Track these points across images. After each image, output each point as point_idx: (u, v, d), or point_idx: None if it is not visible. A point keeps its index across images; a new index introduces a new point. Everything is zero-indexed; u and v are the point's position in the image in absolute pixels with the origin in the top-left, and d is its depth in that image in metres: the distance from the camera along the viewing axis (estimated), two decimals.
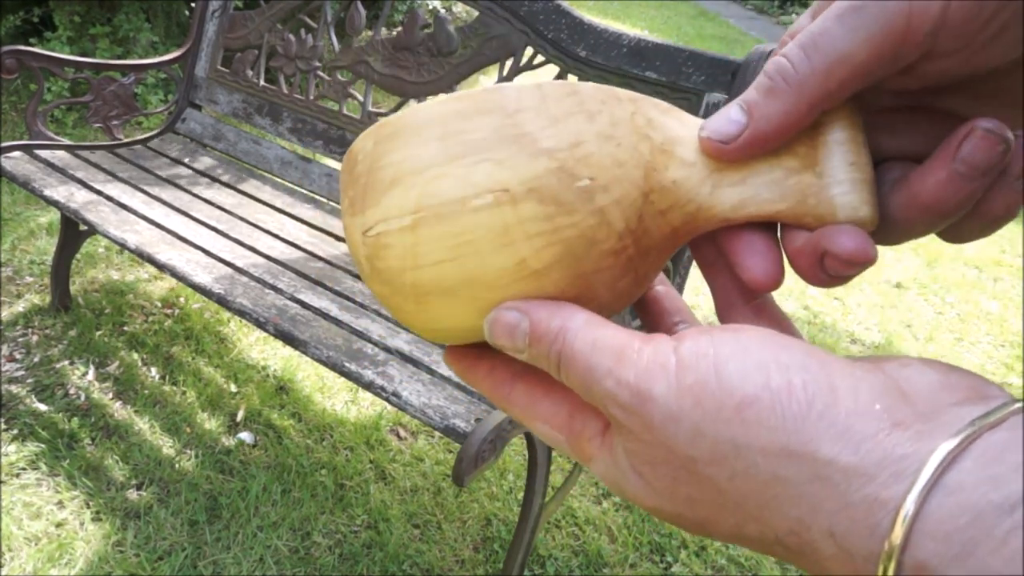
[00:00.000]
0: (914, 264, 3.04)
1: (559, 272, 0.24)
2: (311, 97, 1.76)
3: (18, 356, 1.68)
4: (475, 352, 0.27)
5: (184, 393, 1.66)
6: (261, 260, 1.42)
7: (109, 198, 1.55)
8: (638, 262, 0.25)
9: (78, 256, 1.99)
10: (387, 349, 1.18)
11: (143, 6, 3.06)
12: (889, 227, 0.24)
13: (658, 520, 1.52)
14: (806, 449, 0.18)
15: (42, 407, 1.55)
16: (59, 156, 1.68)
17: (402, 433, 1.66)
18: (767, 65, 0.23)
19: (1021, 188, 0.22)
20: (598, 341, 0.22)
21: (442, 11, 2.95)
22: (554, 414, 0.25)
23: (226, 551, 1.31)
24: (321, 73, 1.75)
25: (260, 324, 1.21)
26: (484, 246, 0.23)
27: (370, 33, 1.67)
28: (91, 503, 1.35)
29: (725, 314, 0.28)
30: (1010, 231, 3.63)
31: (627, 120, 0.25)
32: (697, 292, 2.41)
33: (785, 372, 0.19)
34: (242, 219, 1.59)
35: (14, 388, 1.59)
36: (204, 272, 1.32)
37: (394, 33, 1.62)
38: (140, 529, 1.32)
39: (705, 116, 1.28)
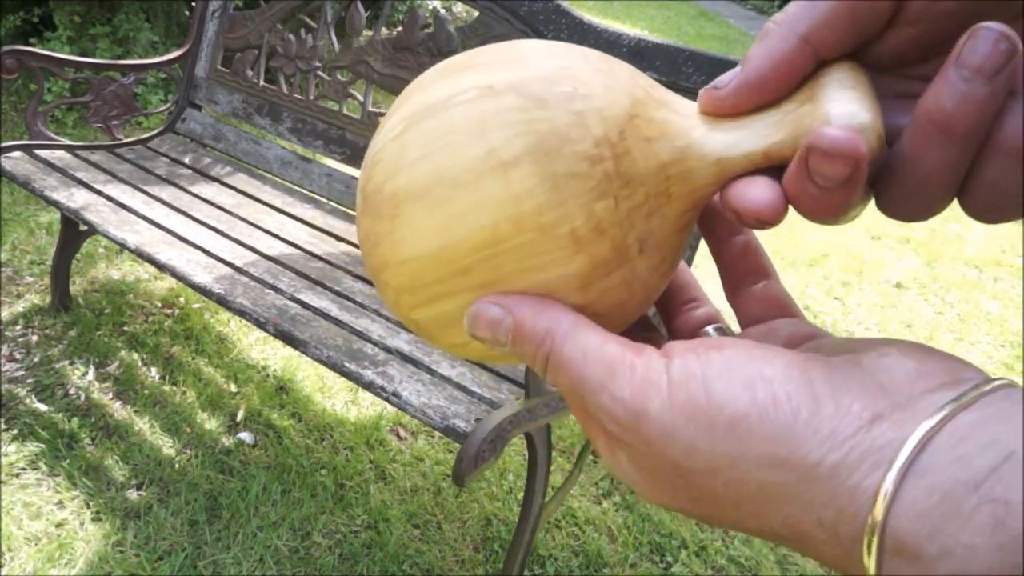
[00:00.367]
0: (914, 264, 3.04)
1: (529, 167, 0.23)
2: (311, 97, 1.76)
3: (18, 356, 1.68)
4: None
5: (184, 393, 1.66)
6: (261, 260, 1.42)
7: (109, 198, 1.55)
8: (618, 187, 0.23)
9: (78, 256, 1.99)
10: (387, 349, 1.18)
11: (143, 6, 3.06)
12: (909, 176, 0.21)
13: (658, 520, 1.52)
14: (795, 456, 0.19)
15: (42, 407, 1.55)
16: (59, 156, 1.68)
17: (402, 433, 1.66)
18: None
19: None
20: (589, 351, 0.22)
21: (442, 11, 2.95)
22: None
23: (226, 551, 1.31)
24: (321, 73, 1.75)
25: (260, 324, 1.21)
26: (459, 138, 0.23)
27: (370, 33, 1.67)
28: (91, 503, 1.35)
29: (734, 299, 0.29)
30: (1010, 231, 3.63)
31: (626, 74, 0.25)
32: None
33: (769, 385, 0.20)
34: (242, 219, 1.59)
35: (14, 388, 1.59)
36: (204, 272, 1.32)
37: (394, 33, 1.62)
38: (140, 529, 1.32)
39: None
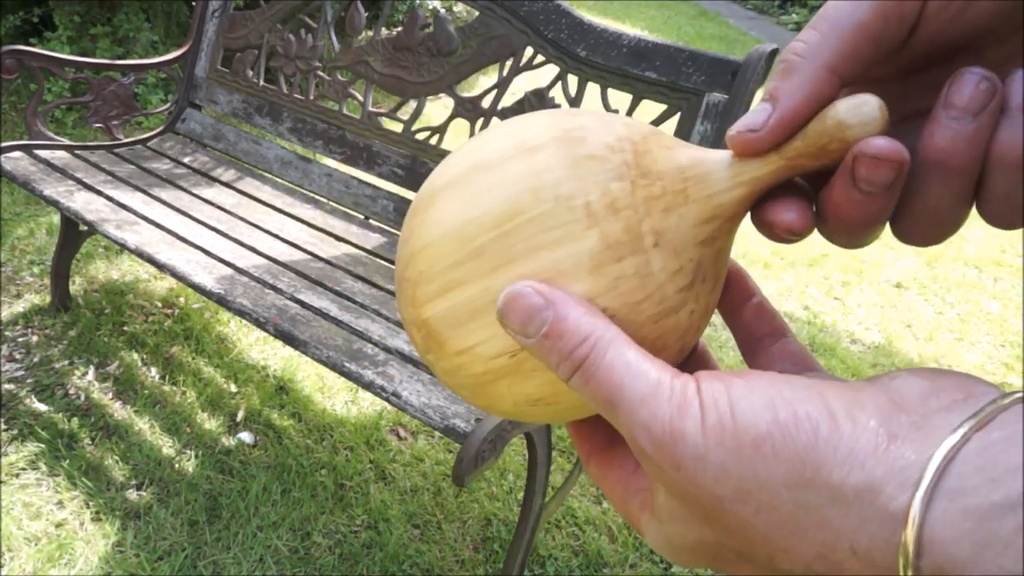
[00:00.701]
0: (914, 264, 3.04)
1: (552, 149, 0.25)
2: (311, 97, 1.76)
3: (18, 356, 1.68)
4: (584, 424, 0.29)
5: (184, 393, 1.66)
6: (261, 260, 1.42)
7: (109, 198, 1.55)
8: (636, 175, 0.25)
9: (78, 256, 1.99)
10: (387, 349, 1.18)
11: (143, 6, 3.06)
12: (917, 208, 0.23)
13: None
14: (819, 475, 0.19)
15: (42, 407, 1.55)
16: (59, 156, 1.68)
17: (402, 433, 1.66)
18: (779, 57, 0.24)
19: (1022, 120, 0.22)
20: (633, 364, 0.22)
21: (442, 11, 2.95)
22: (612, 493, 0.27)
23: (226, 551, 1.31)
24: (321, 73, 1.75)
25: (260, 324, 1.21)
26: (497, 137, 0.27)
27: (370, 33, 1.67)
28: (91, 503, 1.35)
29: (753, 361, 0.29)
30: (1010, 231, 3.63)
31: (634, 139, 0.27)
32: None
33: (789, 405, 0.20)
34: (242, 219, 1.59)
35: (14, 388, 1.59)
36: (204, 272, 1.32)
37: (394, 33, 1.62)
38: (140, 529, 1.32)
39: (705, 116, 1.28)
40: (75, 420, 1.52)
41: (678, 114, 1.29)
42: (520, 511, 1.22)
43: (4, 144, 1.61)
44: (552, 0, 1.40)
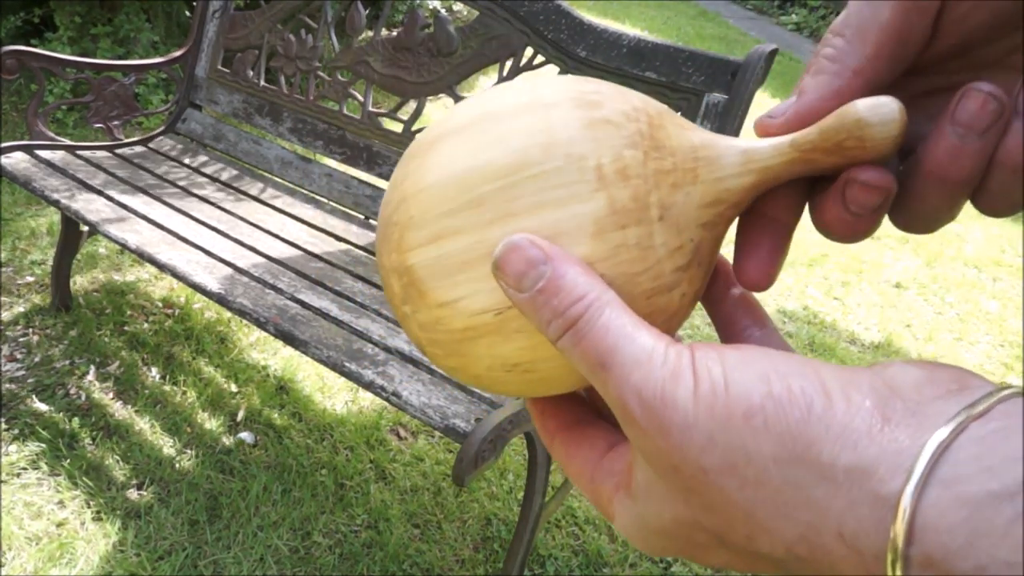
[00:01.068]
0: (914, 264, 3.04)
1: (569, 108, 0.24)
2: (311, 97, 1.76)
3: (19, 356, 1.69)
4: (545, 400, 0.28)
5: (184, 393, 1.66)
6: (261, 260, 1.43)
7: (110, 198, 1.55)
8: (649, 146, 0.25)
9: (79, 256, 1.99)
10: (387, 349, 1.18)
11: (144, 6, 3.06)
12: (916, 208, 0.24)
13: None
14: (810, 452, 0.19)
15: (43, 407, 1.55)
16: (60, 156, 1.69)
17: (402, 433, 1.66)
18: (809, 61, 0.25)
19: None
20: (628, 328, 0.22)
21: (442, 11, 2.95)
22: (579, 475, 0.26)
23: (226, 551, 1.31)
24: (321, 73, 1.75)
25: (260, 324, 1.21)
26: (509, 92, 0.26)
27: (370, 33, 1.67)
28: (92, 503, 1.36)
29: (731, 343, 0.28)
30: (1010, 231, 3.64)
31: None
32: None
33: (784, 379, 0.20)
34: (242, 219, 1.59)
35: (15, 388, 1.59)
36: (204, 272, 1.32)
37: (394, 33, 1.62)
38: (141, 529, 1.32)
39: (705, 116, 1.28)
40: (76, 420, 1.53)
41: (678, 114, 1.29)
42: (520, 511, 1.23)
43: (5, 144, 1.62)
44: (552, 0, 1.40)
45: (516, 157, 0.24)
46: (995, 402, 0.18)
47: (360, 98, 1.67)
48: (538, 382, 0.25)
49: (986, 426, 0.18)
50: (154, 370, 1.71)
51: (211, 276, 1.31)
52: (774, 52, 1.19)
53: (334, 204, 1.72)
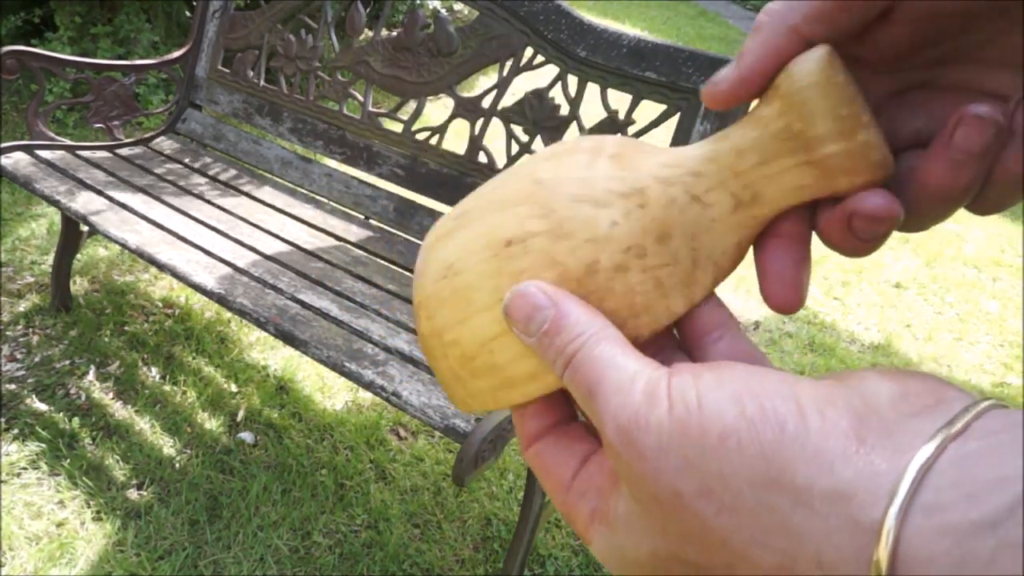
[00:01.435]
0: (914, 264, 3.04)
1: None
2: (311, 97, 1.76)
3: (19, 356, 1.69)
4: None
5: (184, 393, 1.66)
6: (261, 260, 1.43)
7: (110, 198, 1.55)
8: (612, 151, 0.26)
9: (79, 256, 1.99)
10: (387, 349, 1.18)
11: (144, 6, 3.06)
12: (912, 217, 0.24)
13: None
14: (784, 476, 0.18)
15: (43, 407, 1.55)
16: (60, 156, 1.69)
17: (402, 433, 1.66)
18: None
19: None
20: (617, 357, 0.22)
21: (442, 11, 2.95)
22: (554, 492, 0.26)
23: (226, 551, 1.31)
24: (321, 73, 1.75)
25: (260, 324, 1.21)
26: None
27: (370, 33, 1.67)
28: (92, 503, 1.36)
29: (698, 358, 0.27)
30: (1010, 231, 3.64)
31: None
32: None
33: (756, 399, 0.20)
34: (242, 219, 1.59)
35: (15, 388, 1.59)
36: (204, 272, 1.32)
37: (394, 33, 1.62)
38: (141, 529, 1.32)
39: (705, 116, 1.28)
40: (76, 420, 1.53)
41: (678, 114, 1.29)
42: (520, 511, 1.23)
43: (5, 144, 1.62)
44: (552, 0, 1.40)
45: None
46: (972, 418, 0.18)
47: (360, 98, 1.68)
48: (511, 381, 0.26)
49: (965, 446, 0.17)
50: (154, 370, 1.71)
51: (211, 276, 1.31)
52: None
53: (334, 204, 1.72)
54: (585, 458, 0.25)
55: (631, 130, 1.35)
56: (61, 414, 1.54)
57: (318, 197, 1.74)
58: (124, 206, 1.53)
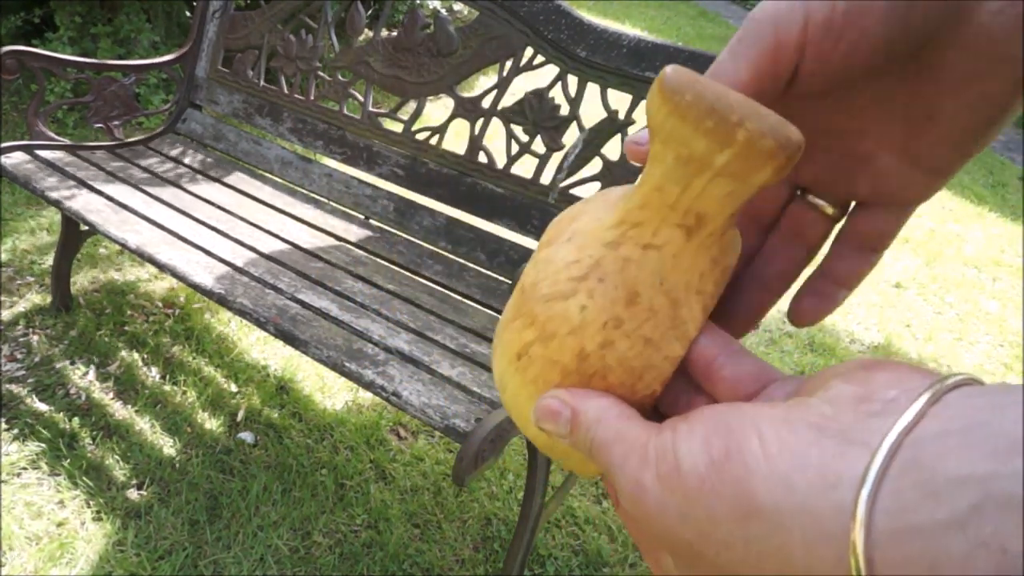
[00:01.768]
0: (913, 264, 3.04)
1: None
2: (311, 97, 1.76)
3: (19, 356, 1.69)
4: None
5: (184, 393, 1.66)
6: (261, 260, 1.43)
7: (110, 198, 1.55)
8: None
9: (79, 256, 1.99)
10: (387, 349, 1.18)
11: (144, 6, 3.06)
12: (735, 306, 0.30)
13: None
14: (753, 505, 0.19)
15: (43, 407, 1.55)
16: (60, 156, 1.69)
17: (402, 433, 1.66)
18: None
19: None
20: (620, 432, 0.24)
21: (442, 11, 2.95)
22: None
23: (226, 550, 1.31)
24: (321, 73, 1.75)
25: (260, 324, 1.21)
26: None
27: (370, 33, 1.67)
28: (92, 502, 1.36)
29: (709, 384, 0.27)
30: (1010, 231, 3.64)
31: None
32: None
33: (722, 440, 0.21)
34: (242, 219, 1.59)
35: (15, 388, 1.59)
36: (204, 272, 1.32)
37: (394, 33, 1.62)
38: (141, 528, 1.32)
39: None
40: (76, 420, 1.53)
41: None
42: (520, 511, 1.23)
43: (5, 144, 1.62)
44: (552, 0, 1.40)
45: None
46: (925, 405, 0.18)
47: (360, 98, 1.68)
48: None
49: (924, 449, 0.17)
50: (154, 370, 1.71)
51: (211, 276, 1.31)
52: None
53: (334, 204, 1.72)
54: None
55: (631, 130, 1.35)
56: (61, 414, 1.54)
57: (318, 197, 1.74)
58: (124, 206, 1.53)
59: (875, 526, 0.17)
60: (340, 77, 1.71)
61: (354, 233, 1.61)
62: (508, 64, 1.47)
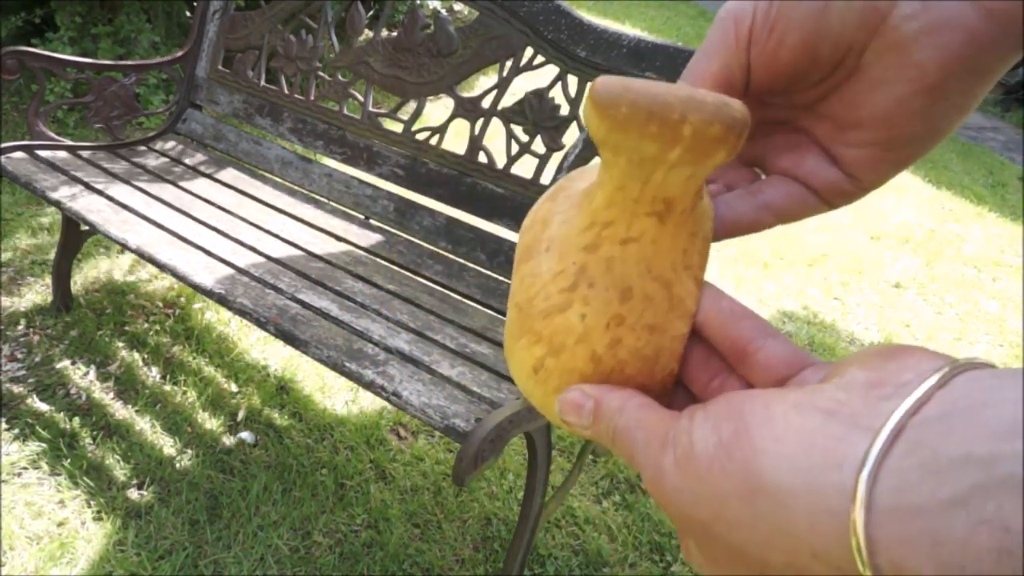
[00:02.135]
0: (913, 264, 3.04)
1: None
2: (311, 97, 1.76)
3: (19, 356, 1.69)
4: None
5: (185, 393, 1.66)
6: (262, 260, 1.43)
7: (110, 198, 1.55)
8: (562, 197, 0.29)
9: (79, 256, 1.99)
10: (387, 349, 1.18)
11: (144, 6, 3.06)
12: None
13: (658, 519, 1.52)
14: (759, 483, 0.20)
15: (43, 407, 1.55)
16: (60, 156, 1.69)
17: (402, 433, 1.66)
18: None
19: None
20: (642, 420, 0.25)
21: (442, 11, 2.95)
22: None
23: (227, 550, 1.32)
24: (322, 73, 1.75)
25: (261, 324, 1.21)
26: None
27: (370, 34, 1.67)
28: (92, 502, 1.36)
29: (744, 370, 0.27)
30: (1010, 231, 3.64)
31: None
32: None
33: (731, 422, 0.22)
34: (242, 219, 1.59)
35: (15, 388, 1.59)
36: (205, 272, 1.32)
37: (394, 33, 1.62)
38: (141, 528, 1.32)
39: None
40: (76, 420, 1.53)
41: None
42: (520, 510, 1.23)
43: (5, 144, 1.62)
44: (552, 0, 1.41)
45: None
46: (932, 388, 0.18)
47: (360, 98, 1.68)
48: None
49: (926, 430, 0.17)
50: (154, 370, 1.71)
51: (211, 276, 1.32)
52: None
53: (334, 204, 1.72)
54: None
55: None
56: (61, 414, 1.54)
57: (318, 197, 1.74)
58: (124, 206, 1.53)
59: (876, 505, 0.17)
60: (340, 77, 1.71)
61: (354, 233, 1.61)
62: (508, 64, 1.47)
